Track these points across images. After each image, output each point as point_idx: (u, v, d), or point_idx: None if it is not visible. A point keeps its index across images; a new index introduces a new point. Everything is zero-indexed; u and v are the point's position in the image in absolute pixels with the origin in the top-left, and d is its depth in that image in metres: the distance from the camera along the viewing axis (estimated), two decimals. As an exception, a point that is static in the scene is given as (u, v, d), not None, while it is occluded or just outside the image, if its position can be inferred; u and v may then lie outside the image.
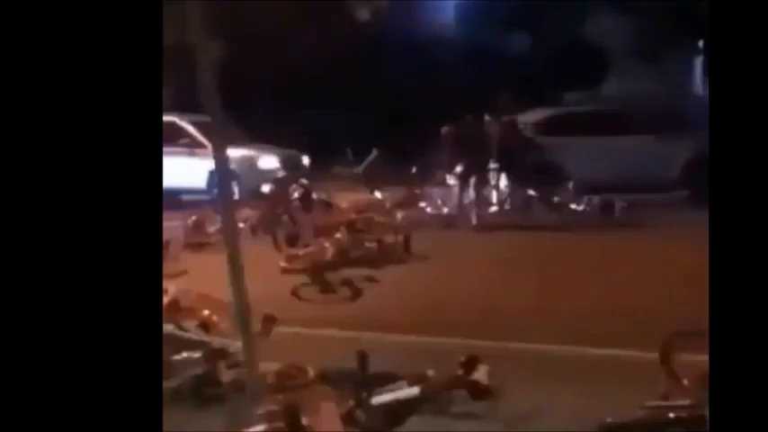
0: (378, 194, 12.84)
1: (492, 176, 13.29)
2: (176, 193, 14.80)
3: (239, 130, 16.27)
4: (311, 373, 4.65)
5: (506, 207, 13.17)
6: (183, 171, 14.56)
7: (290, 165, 15.85)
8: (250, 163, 15.55)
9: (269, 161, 15.83)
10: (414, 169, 14.68)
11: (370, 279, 8.22)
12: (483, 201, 12.87)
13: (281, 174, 15.25)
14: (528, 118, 15.38)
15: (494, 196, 13.44)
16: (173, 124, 15.47)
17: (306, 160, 16.71)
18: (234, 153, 15.17)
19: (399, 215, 10.90)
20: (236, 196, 13.90)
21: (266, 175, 15.02)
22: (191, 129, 15.66)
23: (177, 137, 15.29)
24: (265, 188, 14.04)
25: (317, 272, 8.16)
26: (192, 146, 15.45)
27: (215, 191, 13.33)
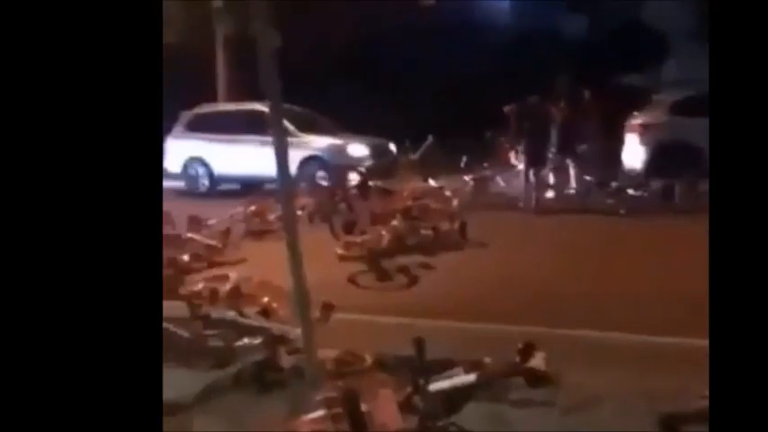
0: (431, 182, 12.87)
1: (552, 160, 13.24)
2: (263, 181, 15.04)
3: (325, 118, 16.54)
4: (368, 359, 4.72)
5: (569, 191, 13.10)
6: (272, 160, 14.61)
7: (378, 152, 15.91)
8: (340, 150, 15.71)
9: (358, 149, 15.92)
10: (463, 159, 14.71)
11: (427, 266, 8.25)
12: (542, 185, 12.82)
13: (368, 162, 15.36)
14: (665, 97, 15.18)
15: (551, 179, 13.39)
16: (263, 113, 15.77)
17: (393, 147, 16.77)
18: (324, 141, 15.50)
19: (455, 202, 10.88)
20: (326, 183, 14.38)
21: (356, 163, 15.22)
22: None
23: (267, 126, 15.49)
24: (354, 176, 14.29)
25: (374, 259, 8.21)
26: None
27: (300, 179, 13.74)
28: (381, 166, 15.40)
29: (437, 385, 3.93)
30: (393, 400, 3.49)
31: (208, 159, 16.36)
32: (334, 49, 20.13)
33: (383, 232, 8.94)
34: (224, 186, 16.66)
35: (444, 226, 9.73)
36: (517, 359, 4.27)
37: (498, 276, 7.83)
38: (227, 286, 5.85)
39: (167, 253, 8.23)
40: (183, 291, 6.26)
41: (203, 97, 18.85)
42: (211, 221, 10.37)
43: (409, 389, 3.79)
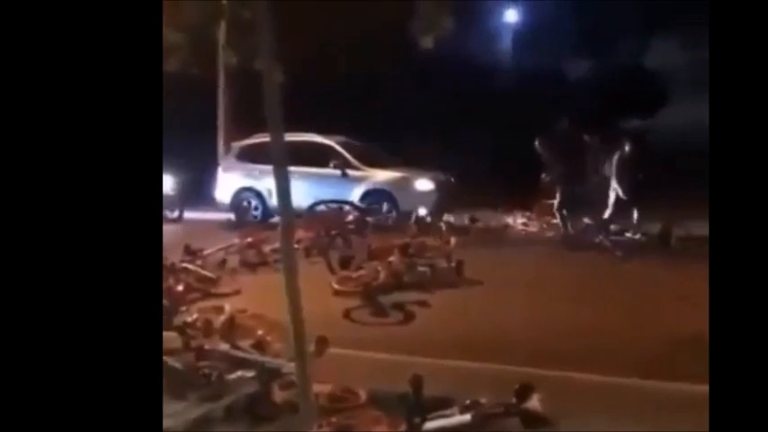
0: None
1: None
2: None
3: (391, 154, 16.60)
4: (362, 396, 4.67)
5: (569, 231, 13.15)
6: (335, 191, 14.72)
7: (441, 187, 15.84)
8: (407, 185, 15.68)
9: (424, 184, 15.82)
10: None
11: (423, 303, 8.21)
12: (543, 227, 12.92)
13: (434, 196, 15.41)
14: None
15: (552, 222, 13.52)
16: (326, 146, 15.99)
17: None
18: (389, 175, 15.60)
19: (453, 240, 10.86)
20: (394, 215, 14.57)
21: (422, 198, 15.25)
22: (341, 150, 16.00)
23: (329, 158, 15.72)
24: (422, 211, 14.32)
25: (370, 295, 8.18)
26: (344, 167, 15.69)
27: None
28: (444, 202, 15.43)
29: (432, 424, 3.89)
30: (387, 438, 3.44)
31: (260, 190, 16.00)
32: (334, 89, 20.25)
33: (379, 268, 8.91)
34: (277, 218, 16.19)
35: (441, 263, 9.70)
36: (513, 400, 4.23)
37: (495, 316, 7.78)
38: (222, 318, 5.81)
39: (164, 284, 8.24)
40: (176, 321, 6.22)
41: (203, 127, 18.90)
42: (206, 251, 10.34)
43: (404, 427, 3.75)
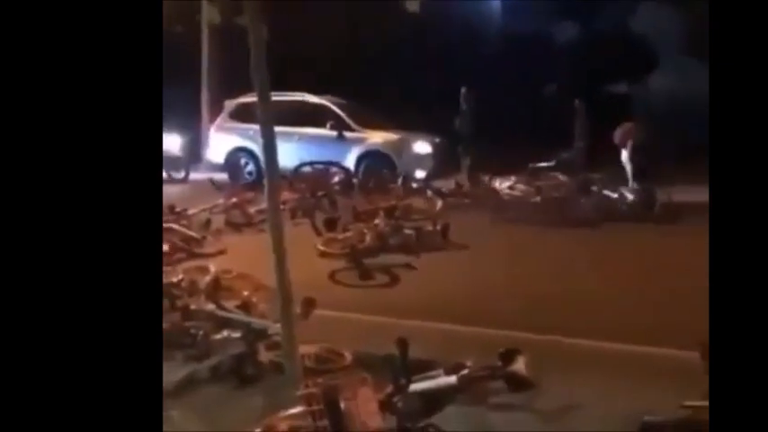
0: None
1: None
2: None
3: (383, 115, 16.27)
4: (348, 357, 4.68)
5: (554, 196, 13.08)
6: (332, 153, 14.66)
7: (438, 151, 15.63)
8: (405, 147, 15.42)
9: (423, 146, 15.55)
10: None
11: (408, 266, 8.21)
12: (531, 191, 12.85)
13: (432, 160, 15.25)
14: None
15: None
16: (322, 106, 15.78)
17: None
18: (386, 137, 15.38)
19: (439, 203, 10.84)
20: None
21: (421, 161, 15.14)
22: (337, 110, 15.76)
23: (325, 119, 15.52)
24: (420, 174, 14.17)
25: (356, 256, 8.16)
26: (340, 128, 15.53)
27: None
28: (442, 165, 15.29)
29: (418, 386, 3.89)
30: (373, 398, 3.44)
31: (254, 149, 15.34)
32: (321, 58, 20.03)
33: (365, 230, 8.89)
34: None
35: (427, 227, 9.68)
36: (499, 363, 4.24)
37: (480, 279, 7.79)
38: (207, 278, 5.79)
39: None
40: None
41: (186, 85, 18.66)
42: (191, 212, 10.28)
43: (390, 388, 3.75)
